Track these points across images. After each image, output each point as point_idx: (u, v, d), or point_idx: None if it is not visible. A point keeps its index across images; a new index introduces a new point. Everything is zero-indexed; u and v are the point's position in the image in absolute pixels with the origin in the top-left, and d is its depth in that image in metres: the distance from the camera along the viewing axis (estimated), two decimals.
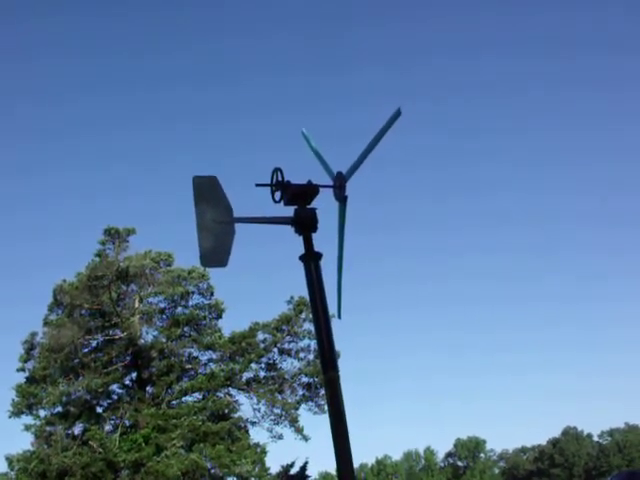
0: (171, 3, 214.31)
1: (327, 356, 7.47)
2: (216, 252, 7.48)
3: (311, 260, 7.64)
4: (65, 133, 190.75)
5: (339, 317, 8.72)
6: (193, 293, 37.03)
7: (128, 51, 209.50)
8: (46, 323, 35.86)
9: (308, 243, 7.71)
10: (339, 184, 8.13)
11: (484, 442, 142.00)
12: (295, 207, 7.88)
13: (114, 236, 35.53)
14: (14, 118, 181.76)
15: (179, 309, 37.25)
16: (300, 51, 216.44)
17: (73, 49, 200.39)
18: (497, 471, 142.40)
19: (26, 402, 34.29)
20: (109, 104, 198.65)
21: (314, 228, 7.77)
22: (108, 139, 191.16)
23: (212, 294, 37.27)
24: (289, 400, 35.77)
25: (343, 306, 8.60)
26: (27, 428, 34.23)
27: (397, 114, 7.66)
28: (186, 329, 36.60)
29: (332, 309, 8.71)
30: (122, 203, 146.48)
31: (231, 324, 53.48)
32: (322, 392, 35.39)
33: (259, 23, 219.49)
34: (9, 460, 33.39)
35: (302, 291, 34.11)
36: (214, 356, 36.48)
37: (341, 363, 7.69)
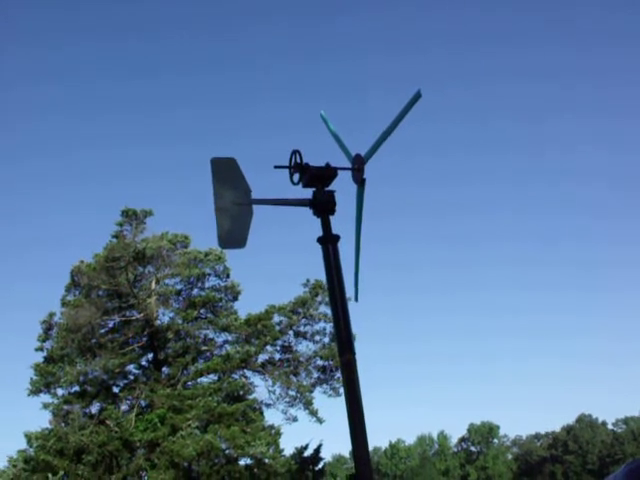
0: None
1: (344, 339, 7.50)
2: (234, 234, 7.51)
3: (329, 242, 7.65)
4: (85, 114, 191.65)
5: (356, 300, 8.74)
6: (209, 275, 37.22)
7: (149, 34, 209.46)
8: (64, 303, 36.14)
9: (326, 225, 7.72)
10: (357, 166, 8.12)
11: (498, 428, 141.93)
12: (313, 189, 7.88)
13: (131, 217, 35.65)
14: (43, 97, 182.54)
15: (195, 291, 37.48)
16: (319, 35, 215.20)
17: (87, 32, 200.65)
18: (510, 457, 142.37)
19: (44, 381, 34.63)
20: (129, 87, 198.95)
21: (332, 211, 7.78)
22: (127, 120, 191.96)
23: (228, 276, 37.45)
24: (304, 383, 35.91)
25: (360, 289, 8.62)
26: (45, 406, 34.58)
27: (417, 96, 7.62)
28: (202, 311, 36.79)
29: (349, 292, 8.77)
30: (140, 184, 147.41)
31: (247, 306, 53.70)
32: (337, 375, 35.51)
33: (277, 7, 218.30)
34: (28, 437, 33.79)
35: (318, 274, 34.15)
36: (230, 338, 36.69)
37: (357, 346, 7.69)
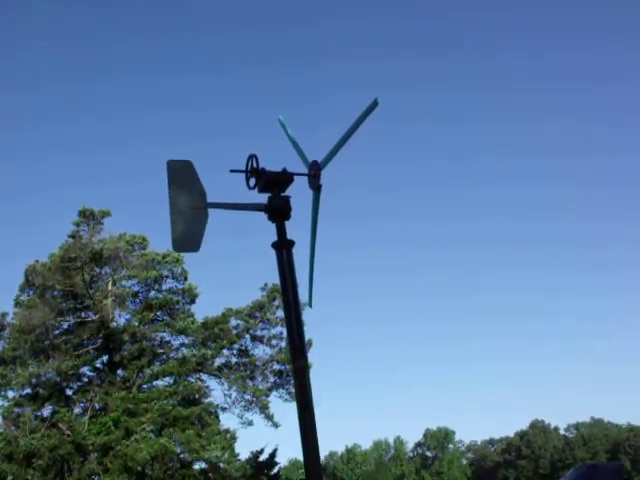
0: None
1: (297, 345, 7.53)
2: (189, 237, 7.49)
3: (283, 248, 7.68)
4: (38, 119, 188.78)
5: (310, 305, 8.78)
6: (167, 277, 36.91)
7: (107, 38, 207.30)
8: (17, 304, 35.52)
9: (281, 231, 7.75)
10: (314, 173, 8.17)
11: (453, 433, 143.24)
12: (269, 194, 7.90)
13: (89, 218, 35.13)
14: None
15: (152, 293, 37.12)
16: (278, 40, 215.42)
17: (51, 36, 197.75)
18: (465, 462, 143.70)
19: None
20: (82, 90, 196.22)
21: (287, 216, 7.81)
22: (82, 124, 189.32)
23: (186, 279, 37.19)
24: (260, 387, 35.83)
25: (314, 295, 8.65)
26: None
27: (374, 105, 7.71)
28: (159, 313, 36.48)
29: (304, 297, 8.80)
30: (98, 185, 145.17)
31: (204, 309, 53.29)
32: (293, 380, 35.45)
33: (235, 15, 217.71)
34: None
35: (276, 278, 34.05)
36: (186, 341, 36.39)
37: (314, 352, 7.76)
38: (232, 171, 7.91)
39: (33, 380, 33.82)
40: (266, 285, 35.83)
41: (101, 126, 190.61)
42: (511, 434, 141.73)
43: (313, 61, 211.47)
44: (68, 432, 32.04)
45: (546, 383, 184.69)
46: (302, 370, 7.48)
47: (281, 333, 35.94)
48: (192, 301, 37.44)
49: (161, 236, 42.58)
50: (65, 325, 35.66)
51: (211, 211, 7.76)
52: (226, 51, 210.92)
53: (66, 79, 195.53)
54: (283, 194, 7.87)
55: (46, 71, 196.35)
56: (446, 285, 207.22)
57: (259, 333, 36.33)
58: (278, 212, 7.75)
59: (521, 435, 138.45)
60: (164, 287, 37.02)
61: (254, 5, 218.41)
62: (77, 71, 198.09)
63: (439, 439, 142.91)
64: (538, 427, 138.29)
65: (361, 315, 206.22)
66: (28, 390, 34.31)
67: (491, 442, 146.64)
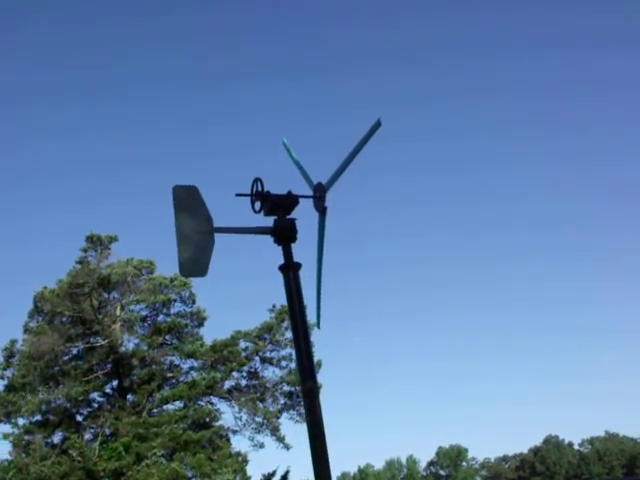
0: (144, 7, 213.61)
1: (305, 366, 7.51)
2: (196, 262, 7.51)
3: (290, 270, 7.69)
4: (46, 140, 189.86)
5: (318, 327, 8.76)
6: (175, 301, 36.93)
7: (114, 56, 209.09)
8: (26, 330, 35.56)
9: (287, 253, 7.76)
10: (319, 195, 8.19)
11: (466, 450, 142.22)
12: (275, 217, 7.93)
13: (96, 243, 35.29)
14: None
15: (161, 317, 37.14)
16: (281, 60, 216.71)
17: (54, 52, 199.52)
18: (479, 479, 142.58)
19: (4, 410, 33.89)
20: (89, 111, 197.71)
21: (293, 238, 7.83)
22: (90, 146, 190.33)
23: (194, 302, 37.20)
24: (270, 409, 35.68)
25: (323, 316, 8.64)
26: (5, 437, 33.83)
27: (377, 125, 7.74)
28: (168, 337, 36.45)
29: (312, 319, 8.80)
30: (104, 211, 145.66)
31: (213, 332, 53.28)
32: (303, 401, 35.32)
33: (239, 32, 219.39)
34: None
35: (284, 300, 34.02)
36: (195, 364, 36.33)
37: (323, 372, 7.75)
38: (238, 195, 7.94)
39: (43, 407, 33.79)
40: (274, 307, 35.85)
41: (107, 148, 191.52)
42: (525, 450, 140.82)
43: (318, 81, 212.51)
44: (79, 458, 31.91)
45: (559, 398, 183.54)
46: (312, 391, 7.46)
47: (290, 354, 35.87)
48: (201, 324, 37.46)
49: (168, 260, 42.58)
50: (74, 351, 35.69)
51: (217, 235, 7.79)
52: (230, 72, 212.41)
53: (73, 98, 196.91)
54: (289, 216, 7.89)
55: (53, 89, 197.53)
56: (457, 301, 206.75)
57: (268, 355, 36.27)
58: (284, 235, 7.76)
59: (535, 451, 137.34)
60: (172, 311, 37.08)
61: (259, 24, 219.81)
62: (84, 91, 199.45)
63: (452, 457, 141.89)
64: (552, 443, 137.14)
65: (369, 334, 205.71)
66: (38, 417, 34.27)
67: (505, 459, 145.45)
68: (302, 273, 7.87)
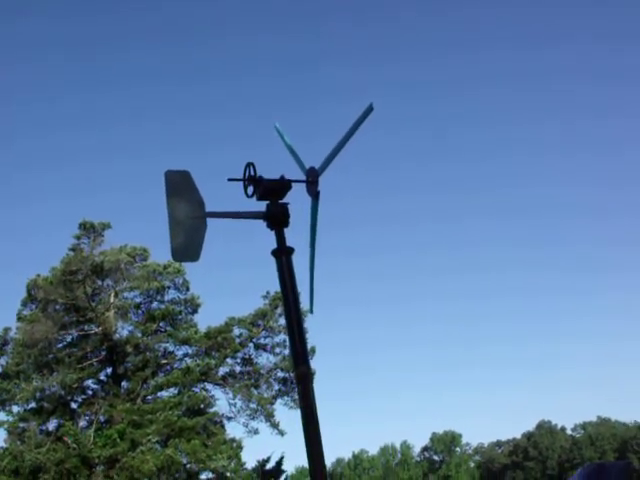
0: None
1: (299, 351, 7.50)
2: (188, 247, 7.48)
3: (283, 255, 7.67)
4: (37, 129, 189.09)
5: (311, 312, 8.74)
6: (169, 288, 36.94)
7: (106, 47, 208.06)
8: (19, 318, 35.50)
9: (280, 238, 7.74)
10: (312, 179, 8.15)
11: (460, 436, 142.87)
12: (267, 202, 7.90)
13: (89, 230, 35.23)
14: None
15: (155, 304, 37.14)
16: (273, 48, 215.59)
17: (51, 46, 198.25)
18: (473, 465, 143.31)
19: None
20: (81, 100, 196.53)
21: (286, 223, 7.80)
22: (82, 135, 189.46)
23: (188, 289, 37.21)
24: (265, 395, 35.78)
25: (316, 301, 8.63)
26: (0, 424, 33.89)
27: (369, 109, 7.70)
28: (162, 324, 36.49)
29: (305, 304, 8.79)
30: (97, 198, 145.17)
31: (207, 319, 53.34)
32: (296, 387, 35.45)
33: (229, 20, 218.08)
34: None
35: (278, 286, 34.06)
36: (190, 351, 36.43)
37: (317, 358, 7.75)
38: (230, 180, 7.90)
39: (37, 394, 33.84)
40: (268, 293, 35.91)
41: (99, 136, 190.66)
42: (518, 435, 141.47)
43: (309, 68, 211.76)
44: (74, 445, 31.99)
45: (552, 384, 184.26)
46: (305, 377, 7.46)
47: (284, 341, 35.97)
48: (194, 311, 37.50)
49: (162, 247, 42.47)
50: (68, 338, 35.76)
51: (210, 220, 7.76)
52: (221, 59, 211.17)
53: (65, 89, 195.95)
54: (281, 201, 7.86)
55: (45, 81, 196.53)
56: (449, 288, 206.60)
57: (262, 341, 36.37)
58: (277, 219, 7.73)
59: (528, 436, 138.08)
60: (166, 298, 37.09)
61: (250, 12, 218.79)
62: (76, 80, 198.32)
63: (446, 442, 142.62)
64: (545, 428, 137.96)
65: (363, 320, 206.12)
66: (33, 404, 34.34)
67: (498, 444, 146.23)
68: (295, 258, 7.85)
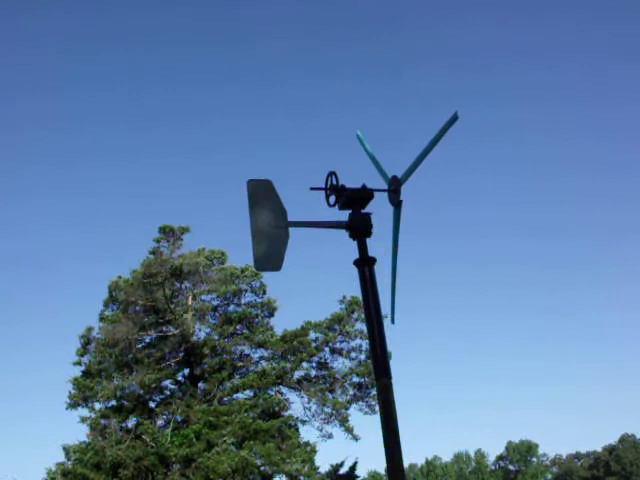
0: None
1: (380, 362, 7.42)
2: (270, 256, 7.49)
3: (365, 265, 7.60)
4: (125, 127, 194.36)
5: (392, 322, 8.68)
6: (246, 291, 37.29)
7: (198, 45, 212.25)
8: (102, 318, 36.55)
9: (362, 248, 7.67)
10: (394, 188, 8.07)
11: (536, 446, 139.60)
12: (349, 211, 7.85)
13: (168, 234, 36.01)
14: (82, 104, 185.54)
15: (232, 307, 37.56)
16: (355, 52, 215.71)
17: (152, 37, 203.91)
18: (549, 476, 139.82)
19: (82, 395, 34.95)
20: (167, 100, 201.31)
21: (368, 233, 7.73)
22: (165, 135, 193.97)
23: (264, 292, 37.47)
24: (340, 399, 35.70)
25: (397, 309, 8.54)
26: (83, 420, 34.92)
27: (454, 118, 7.56)
28: (238, 327, 36.84)
29: (385, 312, 8.68)
30: (177, 201, 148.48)
31: (283, 322, 53.65)
32: (373, 392, 35.28)
33: (313, 24, 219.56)
34: (66, 450, 34.15)
35: (354, 290, 34.04)
36: (266, 354, 36.63)
37: (394, 365, 7.61)
38: (312, 189, 7.90)
39: (118, 393, 34.62)
40: (344, 298, 35.82)
41: (179, 140, 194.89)
42: (599, 448, 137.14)
43: (394, 74, 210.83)
44: (152, 444, 32.62)
45: (635, 396, 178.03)
46: (386, 388, 7.37)
47: (360, 346, 35.85)
48: (271, 314, 37.71)
49: (239, 250, 43.16)
50: (147, 339, 36.48)
51: (291, 228, 7.76)
52: (302, 64, 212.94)
53: (160, 85, 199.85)
54: (363, 211, 7.80)
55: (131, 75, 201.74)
56: (529, 302, 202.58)
57: (338, 346, 36.28)
58: (359, 230, 7.68)
59: (610, 450, 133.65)
60: (243, 301, 37.45)
61: (334, 17, 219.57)
62: (166, 76, 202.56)
63: (522, 452, 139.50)
64: (628, 442, 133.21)
65: (443, 329, 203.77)
66: (113, 402, 35.15)
67: (577, 456, 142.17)
68: (376, 267, 7.77)
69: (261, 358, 36.78)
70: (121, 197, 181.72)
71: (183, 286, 36.32)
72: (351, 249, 7.87)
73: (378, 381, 7.42)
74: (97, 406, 35.36)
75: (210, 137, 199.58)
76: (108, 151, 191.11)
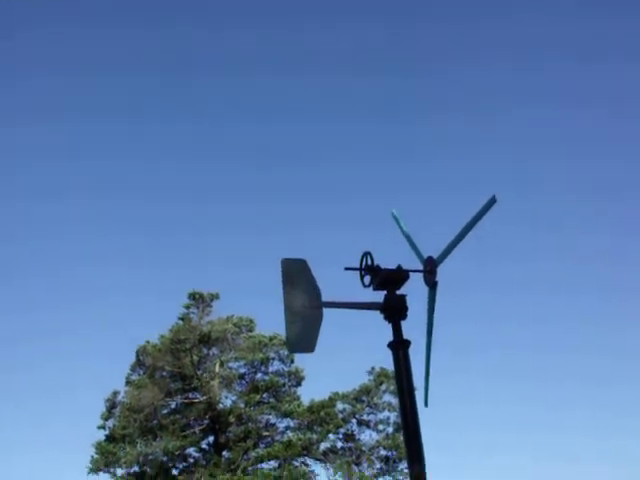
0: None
1: (413, 449, 7.20)
2: (303, 337, 7.39)
3: (400, 348, 7.46)
4: (153, 195, 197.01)
5: (426, 405, 8.47)
6: (273, 359, 37.06)
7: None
8: (128, 382, 36.44)
9: (397, 330, 7.55)
10: (429, 269, 7.98)
11: None
12: (384, 292, 7.76)
13: (198, 300, 36.18)
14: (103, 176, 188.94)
15: (259, 375, 37.27)
16: (390, 133, 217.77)
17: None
18: None
19: (105, 460, 34.55)
20: (197, 175, 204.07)
21: (404, 315, 7.62)
22: (202, 208, 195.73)
23: (292, 361, 37.16)
24: (366, 473, 34.89)
25: (430, 394, 8.35)
26: None
27: (492, 201, 7.53)
28: (265, 395, 36.46)
29: (419, 395, 8.49)
30: (206, 268, 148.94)
31: (310, 392, 52.95)
32: (400, 466, 34.51)
33: (344, 107, 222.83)
34: None
35: (383, 362, 33.61)
36: (292, 424, 36.13)
37: (427, 450, 7.35)
38: (347, 269, 7.84)
39: (141, 459, 34.22)
40: (373, 369, 35.45)
41: (215, 211, 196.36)
42: None
43: (428, 155, 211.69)
44: None
45: None
46: (419, 477, 7.14)
47: (388, 418, 35.25)
48: (298, 384, 37.33)
49: (268, 318, 43.01)
50: (173, 405, 36.22)
51: (325, 309, 7.68)
52: (335, 143, 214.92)
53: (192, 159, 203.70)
54: (398, 292, 7.71)
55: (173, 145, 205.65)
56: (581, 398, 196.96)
57: (365, 417, 35.67)
58: (394, 311, 7.57)
59: None
60: (270, 369, 37.17)
61: (361, 99, 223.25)
62: (203, 150, 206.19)
63: None
64: None
65: (477, 420, 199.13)
66: (136, 468, 34.70)
67: None
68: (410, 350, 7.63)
69: (287, 428, 36.28)
70: (153, 262, 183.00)
71: (211, 353, 36.22)
72: (383, 325, 7.76)
73: (411, 469, 7.19)
74: (119, 472, 34.89)
75: (240, 210, 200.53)
76: (136, 220, 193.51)
